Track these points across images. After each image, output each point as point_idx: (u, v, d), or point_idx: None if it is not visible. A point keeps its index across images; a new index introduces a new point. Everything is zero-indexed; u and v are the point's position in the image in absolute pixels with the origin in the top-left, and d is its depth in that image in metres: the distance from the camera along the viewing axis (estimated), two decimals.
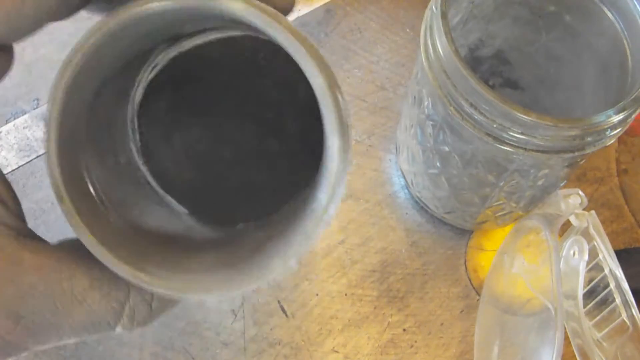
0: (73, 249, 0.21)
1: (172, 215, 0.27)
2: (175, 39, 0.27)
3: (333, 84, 0.20)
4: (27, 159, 0.42)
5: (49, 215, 0.41)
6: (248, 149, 0.30)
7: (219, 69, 0.30)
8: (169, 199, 0.27)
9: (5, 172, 0.23)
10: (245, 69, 0.30)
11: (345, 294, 0.40)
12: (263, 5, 0.20)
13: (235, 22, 0.21)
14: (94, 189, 0.22)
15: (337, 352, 0.38)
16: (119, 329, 0.22)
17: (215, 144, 0.30)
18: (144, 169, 0.27)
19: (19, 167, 0.41)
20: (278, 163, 0.30)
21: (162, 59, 0.28)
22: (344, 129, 0.19)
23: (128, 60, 0.24)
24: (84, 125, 0.22)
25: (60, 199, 0.20)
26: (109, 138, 0.26)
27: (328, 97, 0.20)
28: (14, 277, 0.20)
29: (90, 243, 0.20)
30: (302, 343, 0.38)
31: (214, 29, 0.28)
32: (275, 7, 0.23)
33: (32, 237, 0.21)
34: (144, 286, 0.20)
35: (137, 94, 0.28)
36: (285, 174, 0.29)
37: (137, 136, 0.27)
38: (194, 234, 0.27)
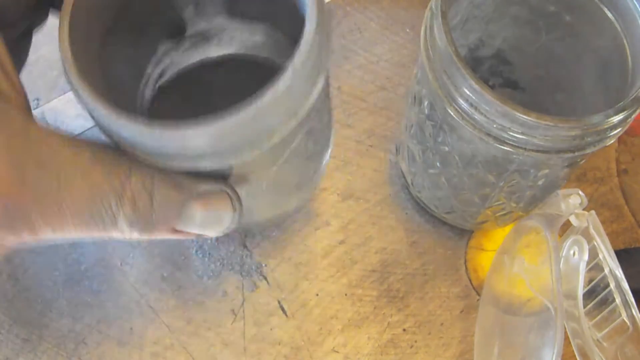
0: (78, 138, 0.21)
1: None
2: (177, 32, 0.29)
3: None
4: None
5: None
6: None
7: (218, 84, 0.32)
8: None
9: None
10: (242, 85, 0.31)
11: (345, 294, 0.40)
12: None
13: None
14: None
15: (337, 352, 0.38)
16: (121, 220, 0.21)
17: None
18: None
19: None
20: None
21: (166, 69, 0.30)
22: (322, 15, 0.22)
23: (136, 23, 0.26)
24: (96, 57, 0.23)
25: (65, 62, 0.21)
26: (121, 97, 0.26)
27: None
28: (22, 143, 0.20)
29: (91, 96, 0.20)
30: (302, 343, 0.38)
31: (213, 37, 0.29)
32: None
33: (37, 122, 0.21)
34: (143, 129, 0.20)
35: (147, 92, 0.29)
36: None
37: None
38: None
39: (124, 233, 0.22)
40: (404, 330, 0.39)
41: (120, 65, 0.26)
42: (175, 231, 0.23)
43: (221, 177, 0.24)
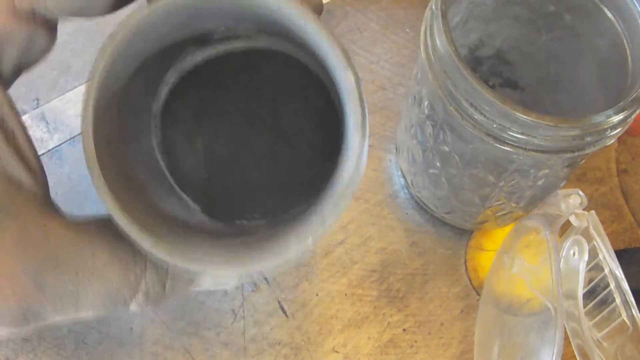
0: (95, 225, 0.22)
1: (186, 209, 0.28)
2: (204, 41, 0.28)
3: (358, 81, 0.22)
4: None
5: None
6: (262, 153, 0.31)
7: (240, 77, 0.31)
8: (183, 195, 0.28)
9: None
10: (265, 79, 0.31)
11: (345, 294, 0.40)
12: (298, 2, 0.21)
13: (265, 23, 0.22)
14: (122, 169, 0.23)
15: (337, 352, 0.38)
16: (133, 307, 0.22)
17: (232, 146, 0.31)
18: (162, 163, 0.28)
19: None
20: (290, 168, 0.31)
21: (189, 61, 0.29)
22: (365, 123, 0.22)
23: (162, 50, 0.25)
24: (116, 107, 0.23)
25: (91, 168, 0.20)
26: (135, 124, 0.26)
27: (355, 91, 0.22)
28: (40, 244, 0.20)
29: (115, 210, 0.20)
30: (302, 343, 0.38)
31: (241, 37, 0.29)
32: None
33: (56, 209, 0.22)
34: (164, 257, 0.20)
35: (163, 92, 0.29)
36: (297, 179, 0.30)
37: (159, 131, 0.28)
38: (206, 228, 0.27)
39: (134, 310, 0.23)
40: (404, 330, 0.39)
41: (141, 87, 0.26)
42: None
43: None
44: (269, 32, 0.28)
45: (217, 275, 0.24)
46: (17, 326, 0.21)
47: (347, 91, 0.21)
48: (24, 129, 0.22)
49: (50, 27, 0.22)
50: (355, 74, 0.21)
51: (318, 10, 0.26)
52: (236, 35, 0.29)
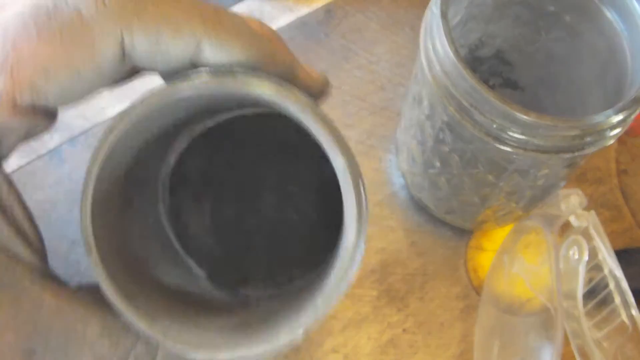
0: (90, 294, 0.22)
1: (190, 276, 0.28)
2: (213, 111, 0.29)
3: (357, 173, 0.21)
4: (28, 159, 0.42)
5: (50, 216, 0.41)
6: (269, 217, 0.32)
7: (249, 139, 0.31)
8: (189, 261, 0.29)
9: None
10: (272, 144, 0.31)
11: (345, 294, 0.40)
12: (294, 90, 0.21)
13: (267, 104, 0.22)
14: (121, 245, 0.23)
15: (337, 352, 0.38)
16: None
17: (239, 209, 0.31)
18: (169, 230, 0.29)
19: (19, 167, 0.41)
20: (296, 233, 0.31)
21: (200, 127, 0.30)
22: (362, 217, 0.21)
23: (166, 129, 0.25)
24: (119, 187, 0.23)
25: (89, 251, 0.21)
26: (141, 197, 0.27)
27: (350, 184, 0.21)
28: (33, 317, 0.21)
29: (113, 293, 0.21)
30: (302, 343, 0.38)
31: (249, 106, 0.30)
32: (309, 90, 0.24)
33: (52, 278, 0.22)
34: (157, 338, 0.21)
35: (172, 158, 0.29)
36: (302, 248, 0.31)
37: (167, 196, 0.28)
38: (209, 297, 0.28)
39: None
40: (404, 330, 0.39)
41: (146, 162, 0.26)
42: None
43: None
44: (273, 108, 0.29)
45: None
46: None
47: (342, 179, 0.21)
48: (23, 204, 0.22)
49: (50, 115, 0.23)
50: (353, 167, 0.21)
51: (321, 88, 0.26)
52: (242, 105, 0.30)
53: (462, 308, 0.40)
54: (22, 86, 0.20)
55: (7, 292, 0.21)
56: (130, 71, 0.22)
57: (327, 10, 0.49)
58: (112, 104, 0.43)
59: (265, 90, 0.21)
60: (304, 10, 0.49)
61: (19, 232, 0.22)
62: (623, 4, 0.30)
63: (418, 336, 0.39)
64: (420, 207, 0.42)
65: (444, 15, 0.28)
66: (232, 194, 0.31)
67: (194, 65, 0.21)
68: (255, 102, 0.23)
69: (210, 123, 0.30)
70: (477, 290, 0.40)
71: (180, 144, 0.30)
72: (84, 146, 0.41)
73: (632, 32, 0.30)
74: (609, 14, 0.31)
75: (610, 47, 0.31)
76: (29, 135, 0.22)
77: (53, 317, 0.21)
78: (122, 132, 0.21)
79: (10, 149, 0.22)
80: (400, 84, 0.46)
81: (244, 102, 0.24)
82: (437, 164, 0.35)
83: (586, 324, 0.34)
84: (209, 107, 0.26)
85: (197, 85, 0.20)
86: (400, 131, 0.39)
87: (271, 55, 0.23)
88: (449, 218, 0.40)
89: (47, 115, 0.22)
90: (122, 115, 0.21)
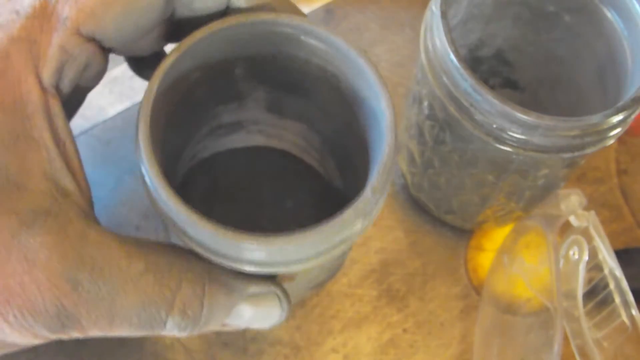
0: (133, 239, 0.22)
1: None
2: (217, 127, 0.32)
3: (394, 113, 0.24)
4: None
5: None
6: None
7: (243, 171, 0.34)
8: None
9: None
10: (265, 173, 0.34)
11: (345, 294, 0.40)
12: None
13: (312, 56, 0.26)
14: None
15: (337, 352, 0.38)
16: (170, 325, 0.22)
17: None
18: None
19: None
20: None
21: (198, 157, 0.32)
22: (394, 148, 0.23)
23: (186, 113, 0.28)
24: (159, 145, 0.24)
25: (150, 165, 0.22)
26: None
27: (392, 122, 0.24)
28: (78, 248, 0.21)
29: (173, 199, 0.21)
30: (302, 343, 0.38)
31: (248, 126, 0.33)
32: None
33: (97, 222, 0.23)
34: (210, 232, 0.20)
35: (180, 174, 0.31)
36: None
37: None
38: None
39: (172, 333, 0.23)
40: (404, 330, 0.39)
41: (168, 146, 0.27)
42: (224, 325, 0.24)
43: (270, 276, 0.24)
44: (277, 110, 0.31)
45: (260, 304, 0.24)
46: (51, 330, 0.22)
47: (386, 126, 0.23)
48: (74, 143, 0.23)
49: (105, 55, 0.24)
50: (389, 99, 0.24)
51: None
52: (244, 120, 0.32)
53: (462, 308, 0.40)
54: (85, 14, 0.21)
55: (54, 220, 0.21)
56: (168, 22, 0.24)
57: (327, 10, 0.49)
58: (112, 104, 0.43)
59: (307, 23, 0.24)
60: (304, 10, 0.49)
61: (69, 167, 0.22)
62: (623, 4, 0.30)
63: (418, 336, 0.39)
64: (420, 207, 0.42)
65: (444, 15, 0.28)
66: (232, 213, 0.32)
67: (228, 8, 0.24)
68: (288, 42, 0.26)
69: (207, 152, 0.32)
70: (477, 290, 0.40)
71: (181, 171, 0.31)
72: (84, 146, 0.41)
73: (632, 32, 0.30)
74: (609, 14, 0.31)
75: (610, 47, 0.31)
76: (86, 71, 0.23)
77: (97, 250, 0.21)
78: (175, 58, 0.23)
79: (70, 83, 0.23)
80: (400, 84, 0.46)
81: (276, 42, 0.26)
82: (437, 164, 0.35)
83: (586, 324, 0.34)
84: (243, 53, 0.27)
85: (240, 20, 0.23)
86: (400, 131, 0.39)
87: (287, 1, 0.27)
88: (449, 218, 0.40)
89: (102, 54, 0.23)
90: (176, 47, 0.23)
